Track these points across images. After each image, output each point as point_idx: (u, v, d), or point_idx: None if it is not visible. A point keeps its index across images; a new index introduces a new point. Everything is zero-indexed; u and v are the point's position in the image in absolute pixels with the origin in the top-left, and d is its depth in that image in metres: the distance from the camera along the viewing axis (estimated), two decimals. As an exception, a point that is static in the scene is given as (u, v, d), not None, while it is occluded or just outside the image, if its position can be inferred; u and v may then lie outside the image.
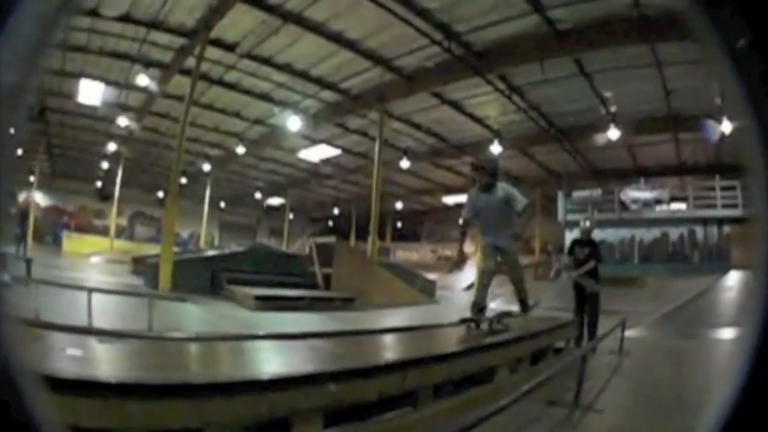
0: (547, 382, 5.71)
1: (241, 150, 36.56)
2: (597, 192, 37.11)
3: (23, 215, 30.90)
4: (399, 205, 52.20)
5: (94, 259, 39.60)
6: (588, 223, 13.97)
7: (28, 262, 17.94)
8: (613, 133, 25.57)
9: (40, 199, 53.56)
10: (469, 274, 38.54)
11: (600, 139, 26.67)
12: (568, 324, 11.63)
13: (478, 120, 28.52)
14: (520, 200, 9.54)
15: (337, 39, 21.69)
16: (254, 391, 4.23)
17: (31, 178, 47.23)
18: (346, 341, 7.66)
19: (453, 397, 6.42)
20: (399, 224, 59.76)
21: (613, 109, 25.07)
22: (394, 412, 5.58)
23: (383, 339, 8.96)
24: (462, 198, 41.86)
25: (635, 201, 36.06)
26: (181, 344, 6.90)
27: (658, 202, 35.56)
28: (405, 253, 54.26)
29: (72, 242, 49.30)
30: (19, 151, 43.01)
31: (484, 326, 9.08)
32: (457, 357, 6.75)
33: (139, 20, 22.39)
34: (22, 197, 52.95)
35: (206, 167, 43.38)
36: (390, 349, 8.01)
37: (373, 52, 22.68)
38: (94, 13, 21.61)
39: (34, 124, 34.52)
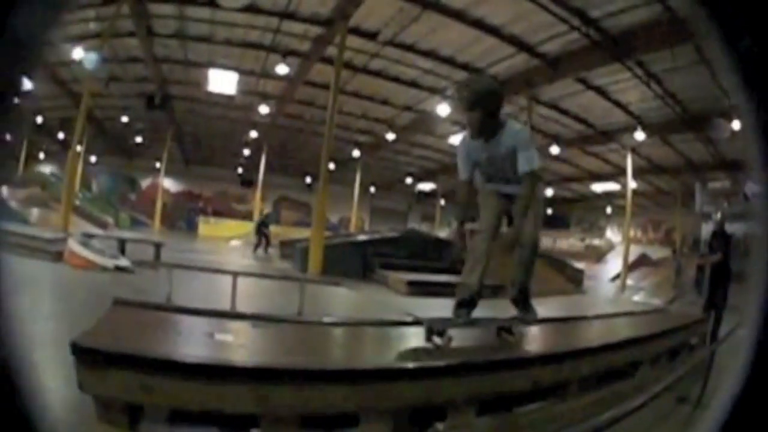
0: (681, 379, 6.03)
1: (390, 136, 37.27)
2: (726, 183, 36.39)
3: (264, 223, 32.65)
4: (549, 192, 51.23)
5: (234, 243, 40.76)
6: (719, 215, 13.69)
7: (158, 247, 18.92)
8: (736, 124, 25.18)
9: (170, 184, 55.64)
10: (613, 265, 38.26)
11: (726, 128, 26.24)
12: (700, 320, 11.43)
13: (621, 106, 28.14)
14: (530, 155, 5.96)
15: (479, 25, 22.09)
16: (411, 379, 4.48)
17: (157, 164, 49.08)
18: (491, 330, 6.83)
19: (597, 390, 6.37)
20: (549, 211, 58.78)
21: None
22: (542, 403, 5.65)
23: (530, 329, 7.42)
24: (611, 185, 41.45)
25: (755, 194, 35.39)
26: (335, 329, 6.76)
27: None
28: (553, 241, 53.50)
29: (209, 227, 51.43)
30: (139, 139, 44.84)
31: (446, 336, 5.73)
32: (605, 350, 6.72)
33: (268, 11, 23.43)
34: (146, 183, 54.79)
35: (356, 153, 44.25)
36: (541, 340, 7.24)
37: (515, 38, 22.98)
38: (211, 3, 22.83)
39: (157, 112, 36.07)
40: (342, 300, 14.43)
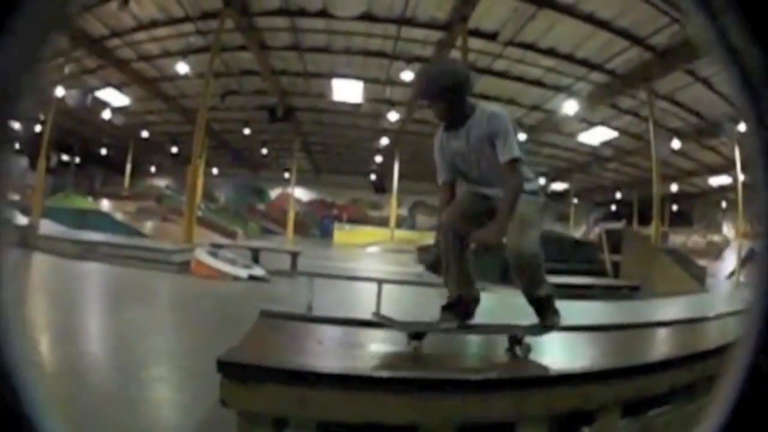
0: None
1: (520, 136, 36.46)
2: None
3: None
4: (674, 188, 49.83)
5: (371, 249, 41.14)
6: None
7: (294, 256, 18.74)
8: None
9: (301, 193, 56.59)
10: (730, 261, 37.15)
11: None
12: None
13: (724, 97, 27.19)
14: (509, 141, 4.83)
15: (591, 20, 22.18)
16: (565, 385, 4.38)
17: (286, 175, 50.09)
18: (631, 333, 7.02)
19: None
20: (674, 207, 57.35)
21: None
22: (671, 405, 5.38)
23: (658, 332, 7.51)
24: (724, 179, 40.45)
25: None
26: (480, 336, 6.06)
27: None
28: (679, 238, 51.30)
29: (344, 234, 51.73)
30: (264, 150, 45.62)
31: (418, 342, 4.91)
32: (723, 351, 5.88)
33: (385, 18, 23.83)
34: (275, 193, 55.80)
35: (486, 155, 43.91)
36: (670, 343, 7.08)
37: (626, 31, 22.94)
38: (323, 14, 23.44)
39: (280, 124, 36.90)
40: (483, 305, 13.90)
